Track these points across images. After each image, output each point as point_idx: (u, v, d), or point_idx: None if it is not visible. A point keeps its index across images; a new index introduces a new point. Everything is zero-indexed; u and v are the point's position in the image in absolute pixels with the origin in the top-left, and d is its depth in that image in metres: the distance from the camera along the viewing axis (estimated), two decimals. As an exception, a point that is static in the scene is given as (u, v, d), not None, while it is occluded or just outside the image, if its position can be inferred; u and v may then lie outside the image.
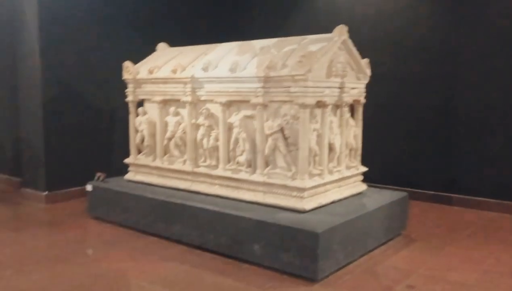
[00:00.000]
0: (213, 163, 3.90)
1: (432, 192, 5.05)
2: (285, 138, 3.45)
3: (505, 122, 4.64)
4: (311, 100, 3.32)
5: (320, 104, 3.47)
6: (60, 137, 5.03)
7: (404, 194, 4.01)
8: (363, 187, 4.00)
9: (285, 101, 3.44)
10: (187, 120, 4.04)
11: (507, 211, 4.62)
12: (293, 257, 3.04)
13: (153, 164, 4.30)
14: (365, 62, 3.87)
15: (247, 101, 3.60)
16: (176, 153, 4.19)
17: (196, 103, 3.98)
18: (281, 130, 3.45)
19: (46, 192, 4.97)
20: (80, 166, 5.11)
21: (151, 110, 4.35)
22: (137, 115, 4.44)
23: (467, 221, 4.44)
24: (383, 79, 4.99)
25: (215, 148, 3.87)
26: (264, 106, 3.52)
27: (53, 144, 4.98)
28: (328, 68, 3.47)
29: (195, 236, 3.60)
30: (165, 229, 3.80)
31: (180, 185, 4.07)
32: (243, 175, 3.66)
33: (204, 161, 3.96)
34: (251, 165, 3.66)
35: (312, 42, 3.57)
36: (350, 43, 3.65)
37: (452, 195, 4.95)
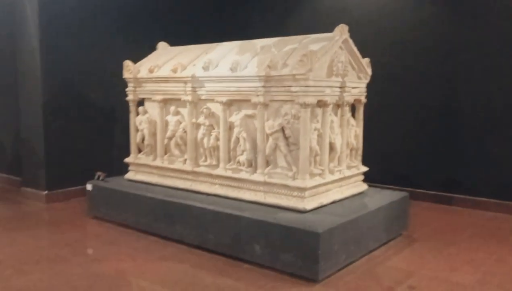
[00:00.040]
0: (214, 162, 3.89)
1: (433, 192, 5.04)
2: (286, 137, 3.43)
3: (506, 122, 4.63)
4: (312, 100, 3.31)
5: (321, 104, 3.46)
6: (60, 137, 5.03)
7: (405, 194, 4.00)
8: (364, 186, 3.98)
9: (286, 101, 3.42)
10: (187, 120, 4.03)
11: (507, 211, 4.60)
12: (293, 257, 3.03)
13: (153, 163, 4.29)
14: (366, 61, 3.86)
15: (248, 101, 3.59)
16: (176, 152, 4.18)
17: (196, 103, 3.97)
18: (282, 129, 3.43)
19: (46, 191, 4.96)
20: (80, 165, 5.10)
21: (152, 110, 4.34)
22: (137, 114, 4.43)
23: (468, 221, 4.43)
24: (383, 78, 4.98)
25: (216, 147, 3.85)
26: (265, 105, 3.51)
27: (53, 143, 4.98)
28: (329, 67, 3.46)
29: (195, 235, 3.59)
30: (165, 228, 3.79)
31: (180, 185, 4.06)
32: (243, 175, 3.65)
33: (205, 160, 3.95)
34: (251, 165, 3.65)
35: (313, 42, 3.56)
36: (351, 42, 3.64)
37: (453, 195, 4.93)
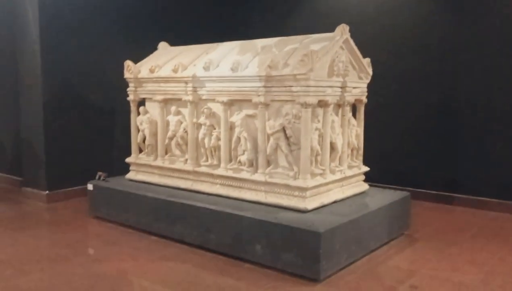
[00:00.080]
0: (215, 162, 3.88)
1: (434, 192, 5.03)
2: (287, 137, 3.43)
3: (507, 121, 4.62)
4: (313, 100, 3.31)
5: (322, 104, 3.45)
6: (61, 137, 5.03)
7: (406, 193, 4.00)
8: (365, 186, 3.98)
9: (287, 101, 3.42)
10: (188, 120, 4.03)
11: (509, 211, 4.60)
12: (295, 257, 3.03)
13: (154, 163, 4.29)
14: (366, 61, 3.85)
15: (249, 101, 3.59)
16: (177, 152, 4.17)
17: (197, 103, 3.97)
18: (283, 129, 3.43)
19: (47, 191, 4.96)
20: (81, 165, 5.10)
21: (152, 110, 4.34)
22: (138, 114, 4.43)
23: (470, 221, 4.42)
24: (384, 78, 4.97)
25: (217, 147, 3.85)
26: (266, 105, 3.51)
27: (54, 143, 4.98)
28: (330, 67, 3.46)
29: (196, 235, 3.58)
30: (166, 228, 3.79)
31: (181, 184, 4.05)
32: (244, 175, 3.65)
33: (206, 160, 3.95)
34: (252, 164, 3.64)
35: (314, 41, 3.56)
36: (351, 42, 3.63)
37: (454, 194, 4.93)
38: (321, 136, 3.47)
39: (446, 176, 4.99)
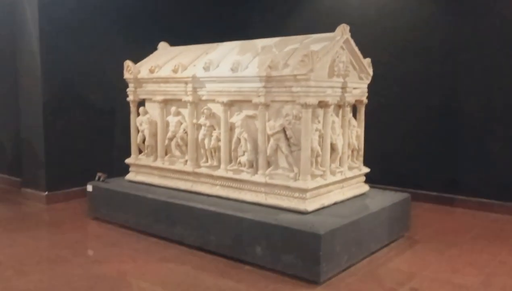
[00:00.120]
0: (215, 163, 3.87)
1: (434, 193, 5.02)
2: (287, 138, 3.42)
3: (507, 122, 4.61)
4: (313, 100, 3.29)
5: (322, 104, 3.44)
6: (60, 137, 5.01)
7: (406, 195, 3.98)
8: (365, 188, 3.96)
9: (287, 101, 3.41)
10: (188, 120, 4.01)
11: (510, 212, 4.58)
12: (295, 258, 3.01)
13: (154, 164, 4.28)
14: (367, 61, 3.84)
15: (249, 101, 3.57)
16: (177, 153, 4.16)
17: (197, 103, 3.96)
18: (283, 130, 3.42)
19: (47, 192, 4.95)
20: (81, 166, 5.09)
21: (152, 110, 4.33)
22: (138, 115, 4.41)
23: (470, 222, 4.41)
24: (385, 79, 4.96)
25: (217, 148, 3.84)
26: (266, 106, 3.49)
27: (53, 144, 4.96)
28: (330, 67, 3.44)
29: (196, 237, 3.57)
30: (166, 230, 3.77)
31: (181, 186, 4.04)
32: (244, 176, 3.63)
33: (206, 161, 3.94)
34: (252, 166, 3.63)
35: (314, 42, 3.54)
36: (352, 42, 3.62)
37: (455, 196, 4.91)
38: (321, 137, 3.45)
39: (447, 177, 4.98)
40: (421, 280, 3.06)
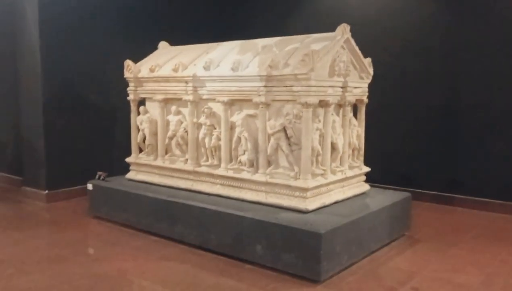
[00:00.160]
0: (215, 162, 3.87)
1: (435, 192, 5.02)
2: (288, 137, 3.42)
3: (508, 122, 4.61)
4: (314, 100, 3.29)
5: (323, 104, 3.44)
6: (61, 136, 5.02)
7: (407, 194, 3.98)
8: (366, 187, 3.96)
9: (287, 101, 3.41)
10: (188, 119, 4.01)
11: (510, 212, 4.58)
12: (295, 257, 3.01)
13: (154, 163, 4.28)
14: (367, 61, 3.84)
15: (249, 100, 3.58)
16: (177, 152, 4.16)
17: (197, 102, 3.96)
18: (284, 129, 3.42)
19: (47, 191, 4.95)
20: (81, 164, 5.09)
21: (153, 109, 4.33)
22: (138, 114, 4.42)
23: (471, 222, 4.40)
24: (385, 79, 4.96)
25: (217, 147, 3.84)
26: (267, 105, 3.49)
27: (54, 143, 4.97)
28: (331, 67, 3.44)
29: (196, 235, 3.57)
30: (167, 228, 3.77)
31: (181, 184, 4.04)
32: (245, 175, 3.63)
33: (206, 160, 3.94)
34: (253, 165, 3.63)
35: (315, 41, 3.54)
36: (352, 42, 3.62)
37: (455, 195, 4.91)
38: (322, 136, 3.45)
39: (447, 176, 4.98)
40: (422, 280, 3.06)
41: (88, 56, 5.17)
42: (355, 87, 3.73)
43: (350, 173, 3.75)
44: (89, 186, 4.40)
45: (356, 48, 3.66)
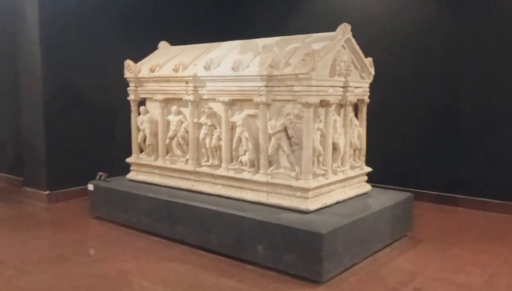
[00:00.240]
0: (216, 162, 3.86)
1: (436, 193, 5.01)
2: (289, 137, 3.41)
3: (508, 122, 4.60)
4: (315, 99, 3.29)
5: (324, 104, 3.43)
6: (61, 137, 5.01)
7: (409, 194, 3.97)
8: (367, 187, 3.96)
9: (288, 101, 3.40)
10: (189, 119, 4.00)
11: (510, 212, 4.57)
12: (297, 258, 3.00)
13: (155, 163, 4.27)
14: (368, 61, 3.83)
15: (250, 100, 3.57)
16: (178, 152, 4.15)
17: (198, 102, 3.95)
18: (285, 129, 3.41)
19: (48, 191, 4.94)
20: (82, 165, 5.08)
21: (153, 109, 4.32)
22: (139, 114, 4.41)
23: (472, 222, 4.40)
24: (385, 79, 4.95)
25: (218, 147, 3.83)
26: (267, 105, 3.49)
27: (54, 143, 4.96)
28: (331, 67, 3.44)
29: (197, 236, 3.56)
30: (167, 229, 3.76)
31: (182, 185, 4.03)
32: (246, 175, 3.62)
33: (207, 161, 3.93)
34: (254, 165, 3.62)
35: (316, 41, 3.53)
36: (353, 41, 3.61)
37: (456, 195, 4.90)
38: (323, 136, 3.44)
39: (448, 176, 4.97)
40: (424, 280, 3.05)
41: (88, 56, 5.16)
42: (356, 87, 3.73)
43: (351, 173, 3.74)
44: (90, 186, 4.39)
45: (357, 47, 3.66)
